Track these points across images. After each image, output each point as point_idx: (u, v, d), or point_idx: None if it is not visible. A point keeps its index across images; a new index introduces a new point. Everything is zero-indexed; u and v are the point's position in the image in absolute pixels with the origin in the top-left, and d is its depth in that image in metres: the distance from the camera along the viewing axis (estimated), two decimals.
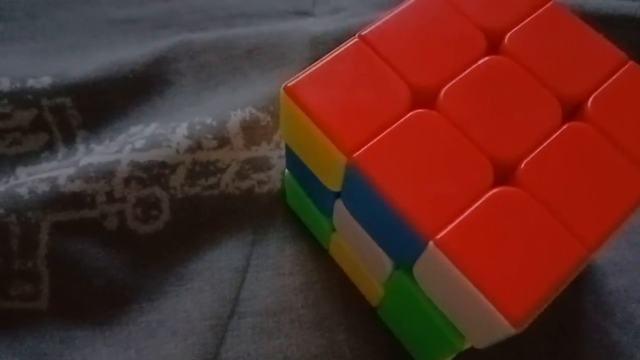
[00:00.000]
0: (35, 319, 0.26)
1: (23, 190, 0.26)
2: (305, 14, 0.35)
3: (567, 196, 0.18)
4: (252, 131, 0.29)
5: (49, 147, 0.30)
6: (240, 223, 0.28)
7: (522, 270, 0.17)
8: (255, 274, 0.27)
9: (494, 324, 0.17)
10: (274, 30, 0.32)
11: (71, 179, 0.26)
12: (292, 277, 0.27)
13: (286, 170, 0.26)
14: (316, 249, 0.28)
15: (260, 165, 0.29)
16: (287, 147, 0.24)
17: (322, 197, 0.24)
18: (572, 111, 0.20)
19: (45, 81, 0.30)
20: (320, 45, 0.32)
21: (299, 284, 0.27)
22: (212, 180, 0.28)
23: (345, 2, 0.35)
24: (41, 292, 0.26)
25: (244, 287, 0.27)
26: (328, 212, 0.24)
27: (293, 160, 0.23)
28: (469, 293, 0.17)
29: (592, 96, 0.20)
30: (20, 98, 0.29)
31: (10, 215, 0.26)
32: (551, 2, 0.22)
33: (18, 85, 0.29)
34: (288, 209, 0.29)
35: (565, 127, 0.20)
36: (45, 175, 0.27)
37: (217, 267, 0.27)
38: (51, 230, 0.26)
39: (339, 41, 0.31)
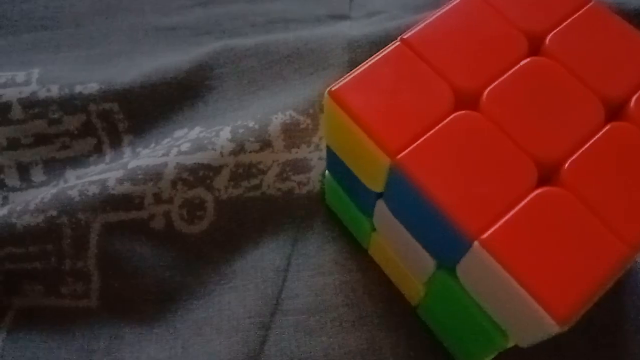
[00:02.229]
0: (85, 316, 0.27)
1: (74, 193, 0.27)
2: (342, 17, 0.35)
3: (611, 196, 0.18)
4: (292, 134, 0.29)
5: (97, 151, 0.31)
6: (281, 223, 0.29)
7: (567, 269, 0.17)
8: (297, 273, 0.28)
9: (539, 322, 0.17)
10: (312, 35, 0.33)
11: (120, 181, 0.27)
12: (332, 276, 0.28)
13: (326, 171, 0.27)
14: (356, 249, 0.28)
15: (300, 167, 0.29)
16: (328, 149, 0.24)
17: (363, 198, 0.24)
18: (615, 111, 0.20)
19: (92, 87, 0.31)
20: (358, 49, 0.32)
21: (339, 283, 0.28)
22: (254, 182, 0.29)
23: (380, 5, 0.35)
24: (91, 291, 0.27)
25: (285, 286, 0.28)
26: (369, 213, 0.25)
27: (334, 162, 0.24)
28: (514, 292, 0.17)
29: (635, 96, 0.20)
30: (68, 104, 0.30)
31: (62, 217, 0.27)
32: (592, 2, 0.22)
33: (66, 91, 0.30)
34: (327, 209, 0.29)
35: (608, 127, 0.20)
36: (95, 177, 0.28)
37: (259, 266, 0.28)
38: (101, 231, 0.27)
39: (375, 44, 0.31)
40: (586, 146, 0.19)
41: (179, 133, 0.30)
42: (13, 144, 0.30)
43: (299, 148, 0.29)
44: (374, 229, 0.26)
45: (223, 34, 0.35)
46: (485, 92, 0.20)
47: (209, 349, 0.26)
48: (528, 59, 0.21)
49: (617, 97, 0.20)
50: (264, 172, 0.29)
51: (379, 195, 0.22)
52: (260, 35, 0.34)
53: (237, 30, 0.35)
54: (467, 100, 0.20)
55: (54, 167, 0.30)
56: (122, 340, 0.27)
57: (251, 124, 0.29)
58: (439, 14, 0.22)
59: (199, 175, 0.28)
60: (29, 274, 0.27)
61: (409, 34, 0.21)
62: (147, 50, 0.34)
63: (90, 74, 0.32)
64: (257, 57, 0.32)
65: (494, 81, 0.20)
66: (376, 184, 0.21)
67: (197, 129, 0.30)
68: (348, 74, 0.21)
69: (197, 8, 0.36)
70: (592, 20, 0.22)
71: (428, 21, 0.22)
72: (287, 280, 0.28)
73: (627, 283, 0.27)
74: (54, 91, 0.30)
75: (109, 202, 0.27)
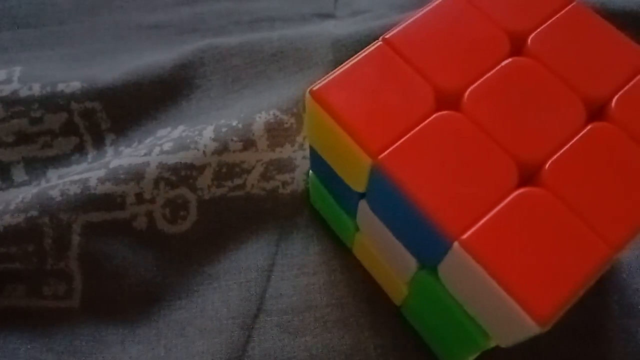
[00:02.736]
0: (68, 317, 0.27)
1: (55, 192, 0.27)
2: (327, 16, 0.35)
3: (592, 196, 0.18)
4: (276, 133, 0.29)
5: (79, 150, 0.30)
6: (265, 223, 0.29)
7: (547, 270, 0.17)
8: (280, 273, 0.28)
9: (519, 323, 0.17)
10: (297, 34, 0.33)
11: (102, 180, 0.27)
12: (316, 276, 0.28)
13: (310, 171, 0.27)
14: (340, 249, 0.28)
15: (284, 166, 0.29)
16: (311, 149, 0.24)
17: (347, 198, 0.24)
18: (596, 111, 0.20)
19: (75, 86, 0.30)
20: (342, 48, 0.32)
21: (323, 283, 0.28)
22: (237, 182, 0.28)
23: (366, 4, 0.35)
24: (73, 291, 0.27)
25: (269, 286, 0.27)
26: (352, 213, 0.24)
27: (317, 162, 0.24)
28: (494, 293, 0.17)
29: (616, 96, 0.20)
30: (50, 102, 0.30)
31: (43, 217, 0.26)
32: (574, 3, 0.22)
33: (48, 89, 0.30)
34: (312, 209, 0.29)
35: (589, 127, 0.20)
36: (76, 177, 0.28)
37: (243, 266, 0.28)
38: (83, 231, 0.27)
39: (360, 43, 0.31)
40: (567, 146, 0.19)
41: (161, 132, 0.30)
42: None
43: (282, 147, 0.29)
44: (357, 229, 0.26)
45: (208, 32, 0.34)
46: (467, 93, 0.20)
47: (192, 349, 0.26)
48: (510, 59, 0.21)
49: (598, 98, 0.20)
50: (247, 172, 0.29)
51: (362, 196, 0.22)
52: (245, 33, 0.34)
53: (222, 28, 0.35)
54: (448, 101, 0.20)
55: (36, 166, 0.30)
56: (104, 341, 0.27)
57: (235, 123, 0.29)
58: (421, 13, 0.22)
59: (181, 174, 0.28)
60: (10, 275, 0.27)
61: (391, 33, 0.21)
62: (131, 48, 0.34)
63: (73, 73, 0.31)
64: (241, 55, 0.32)
65: (475, 81, 0.20)
66: (358, 184, 0.21)
67: (181, 128, 0.30)
68: (329, 74, 0.21)
69: (181, 6, 0.36)
70: (575, 20, 0.22)
71: (410, 21, 0.22)
72: (271, 280, 0.28)
73: (609, 282, 0.27)
74: (36, 89, 0.30)
75: (91, 202, 0.27)
